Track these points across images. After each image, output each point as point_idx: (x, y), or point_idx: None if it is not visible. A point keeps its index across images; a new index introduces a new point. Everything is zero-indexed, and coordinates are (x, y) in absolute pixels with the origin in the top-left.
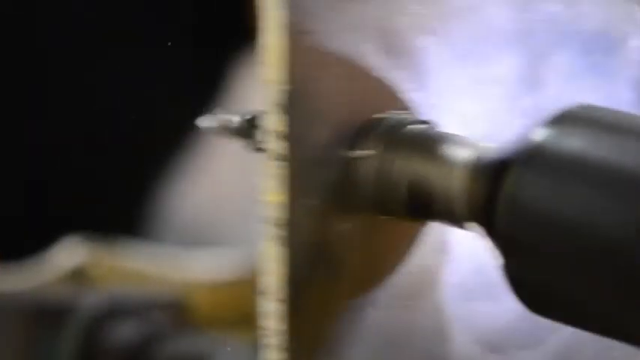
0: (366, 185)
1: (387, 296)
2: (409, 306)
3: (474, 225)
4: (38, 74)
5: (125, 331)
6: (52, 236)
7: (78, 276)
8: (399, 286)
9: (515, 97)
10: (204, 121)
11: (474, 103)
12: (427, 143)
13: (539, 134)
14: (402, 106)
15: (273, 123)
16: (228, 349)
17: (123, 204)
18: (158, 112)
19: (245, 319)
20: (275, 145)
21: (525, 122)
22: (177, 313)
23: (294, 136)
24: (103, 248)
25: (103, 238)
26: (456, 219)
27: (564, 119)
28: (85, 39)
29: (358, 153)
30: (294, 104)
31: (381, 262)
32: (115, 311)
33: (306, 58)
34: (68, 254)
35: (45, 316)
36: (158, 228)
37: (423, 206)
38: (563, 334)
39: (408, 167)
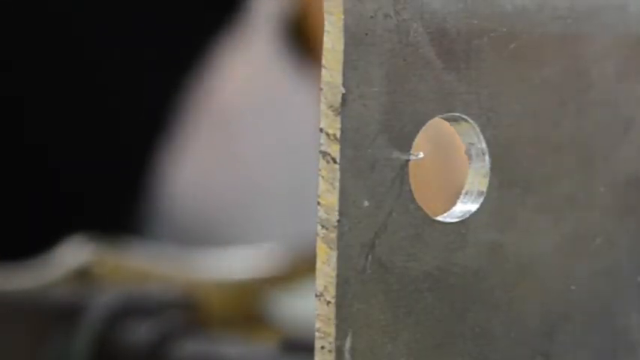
0: None
1: (433, 298)
2: (455, 308)
3: None
4: (35, 72)
5: (140, 331)
6: (55, 235)
7: (83, 275)
8: (445, 288)
9: (564, 99)
10: None
11: (525, 104)
12: None
13: None
14: (455, 108)
15: (326, 125)
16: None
17: (127, 202)
18: (158, 110)
19: (255, 319)
20: (328, 147)
21: (574, 123)
22: (190, 313)
23: (347, 139)
24: (108, 247)
25: (107, 237)
26: None
27: None
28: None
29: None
30: (350, 107)
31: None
32: (129, 310)
33: (362, 61)
34: (73, 253)
35: (56, 316)
36: (161, 226)
37: None
38: (608, 332)
39: None
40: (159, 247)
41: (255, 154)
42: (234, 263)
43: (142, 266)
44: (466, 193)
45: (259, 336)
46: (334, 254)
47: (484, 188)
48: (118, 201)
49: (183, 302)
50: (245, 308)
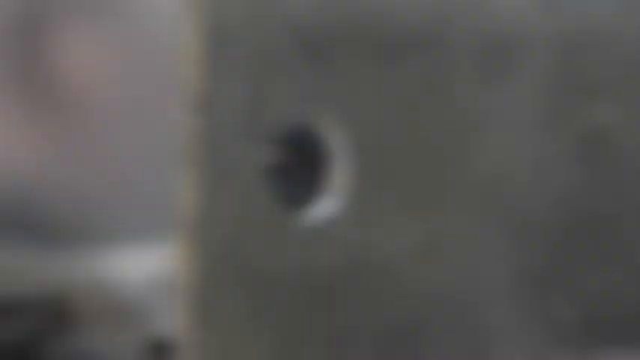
0: None
1: (291, 299)
2: (312, 309)
3: None
4: None
5: (4, 331)
6: None
7: None
8: (303, 290)
9: (424, 100)
10: None
11: (384, 105)
12: None
13: None
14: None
15: (185, 125)
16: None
17: None
18: None
19: (121, 317)
20: (186, 146)
21: (433, 124)
22: (56, 312)
23: (206, 141)
24: None
25: None
26: None
27: None
28: None
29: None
30: (208, 107)
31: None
32: None
33: (221, 61)
34: None
35: None
36: (21, 225)
37: None
38: (468, 333)
39: None
40: (24, 243)
41: (117, 147)
42: (104, 261)
43: (7, 263)
44: (327, 194)
45: (128, 334)
46: (190, 254)
47: (345, 189)
48: None
49: (50, 301)
50: (114, 306)
